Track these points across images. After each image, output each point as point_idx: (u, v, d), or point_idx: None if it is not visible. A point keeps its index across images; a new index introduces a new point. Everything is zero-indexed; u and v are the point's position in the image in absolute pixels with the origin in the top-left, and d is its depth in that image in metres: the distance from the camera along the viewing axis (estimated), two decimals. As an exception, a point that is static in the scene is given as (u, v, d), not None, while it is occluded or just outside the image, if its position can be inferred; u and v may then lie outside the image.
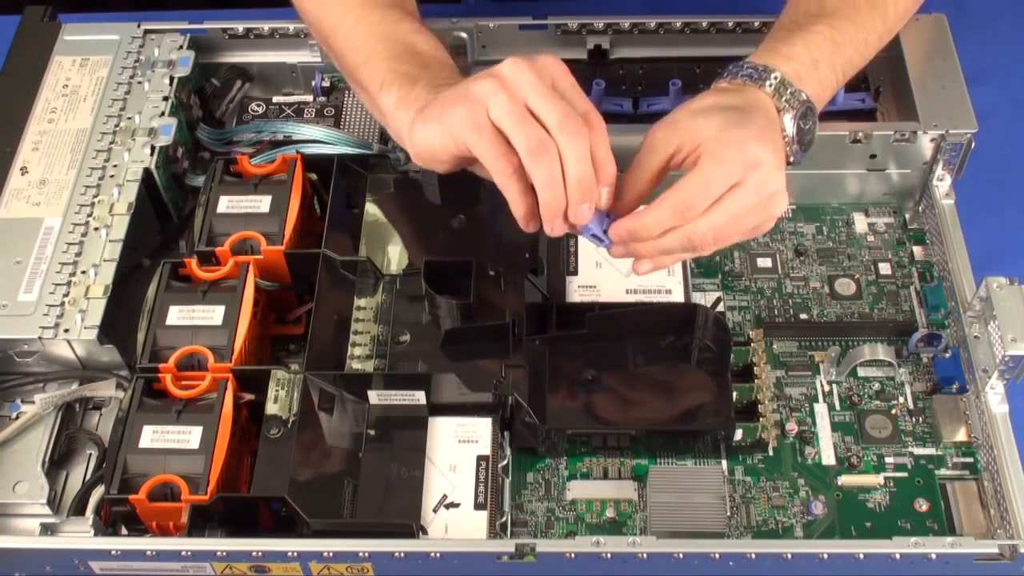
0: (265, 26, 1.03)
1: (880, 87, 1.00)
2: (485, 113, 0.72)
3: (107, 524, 0.78)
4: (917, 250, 0.96)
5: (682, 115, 0.77)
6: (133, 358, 0.82)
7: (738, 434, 0.84)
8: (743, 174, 0.74)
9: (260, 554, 0.75)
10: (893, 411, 0.88)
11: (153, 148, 0.92)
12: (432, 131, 0.75)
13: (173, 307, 0.83)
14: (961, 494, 0.83)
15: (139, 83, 0.97)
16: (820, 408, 0.88)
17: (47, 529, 0.79)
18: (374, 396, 0.83)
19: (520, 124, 0.72)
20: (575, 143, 0.71)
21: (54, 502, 0.82)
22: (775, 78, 0.80)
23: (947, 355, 0.89)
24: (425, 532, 0.78)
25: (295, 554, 0.75)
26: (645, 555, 0.75)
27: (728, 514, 0.81)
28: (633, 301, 0.89)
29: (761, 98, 0.80)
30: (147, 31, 1.01)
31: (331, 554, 0.75)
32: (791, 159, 0.80)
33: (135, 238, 0.89)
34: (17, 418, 0.84)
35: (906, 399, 0.88)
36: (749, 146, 0.75)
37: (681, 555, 0.75)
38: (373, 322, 0.88)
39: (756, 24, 1.01)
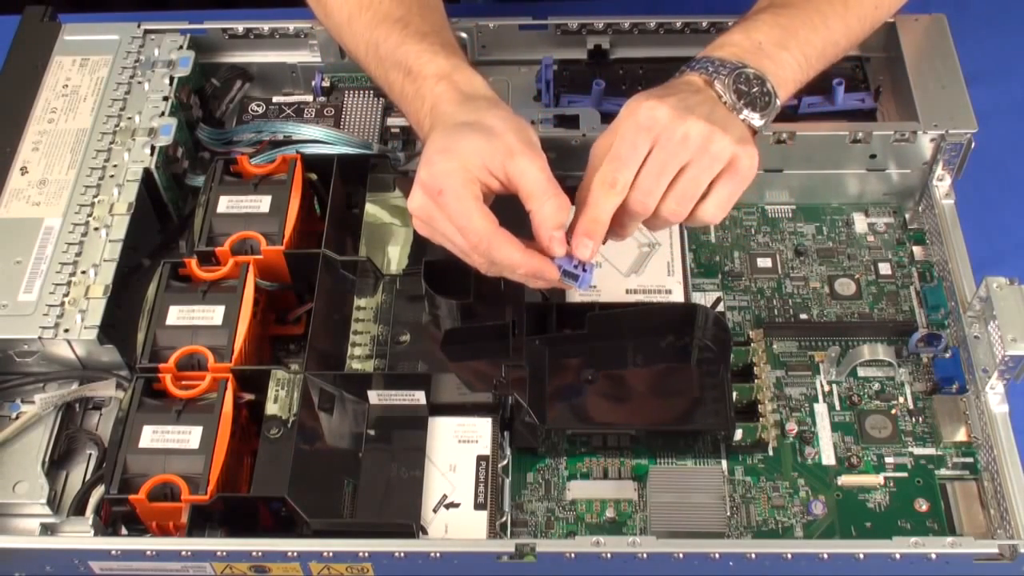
0: (265, 26, 1.03)
1: (880, 87, 1.00)
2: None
3: (107, 524, 0.78)
4: (917, 250, 0.96)
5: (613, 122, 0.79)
6: (133, 358, 0.82)
7: (738, 434, 0.84)
8: (652, 136, 0.76)
9: (260, 554, 0.75)
10: (893, 411, 0.88)
11: (153, 148, 0.92)
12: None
13: (173, 307, 0.83)
14: (961, 494, 0.83)
15: (139, 83, 0.97)
16: (820, 408, 0.88)
17: (47, 529, 0.79)
18: (374, 396, 0.83)
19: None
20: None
21: (54, 502, 0.82)
22: (701, 60, 0.81)
23: (947, 355, 0.89)
24: (425, 532, 0.78)
25: (295, 554, 0.75)
26: (645, 555, 0.75)
27: (728, 514, 0.81)
28: (633, 301, 0.89)
29: (687, 79, 0.81)
30: (147, 31, 1.01)
31: (331, 554, 0.75)
32: (750, 122, 0.80)
33: (135, 238, 0.89)
34: (17, 418, 0.84)
35: (906, 399, 0.88)
36: (645, 107, 0.76)
37: (681, 555, 0.75)
38: (373, 322, 0.88)
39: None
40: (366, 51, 0.88)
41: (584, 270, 0.77)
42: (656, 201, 0.76)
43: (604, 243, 0.79)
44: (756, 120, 0.80)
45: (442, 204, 0.76)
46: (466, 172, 0.75)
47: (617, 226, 0.78)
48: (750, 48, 0.82)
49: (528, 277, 0.77)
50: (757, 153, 0.78)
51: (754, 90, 0.80)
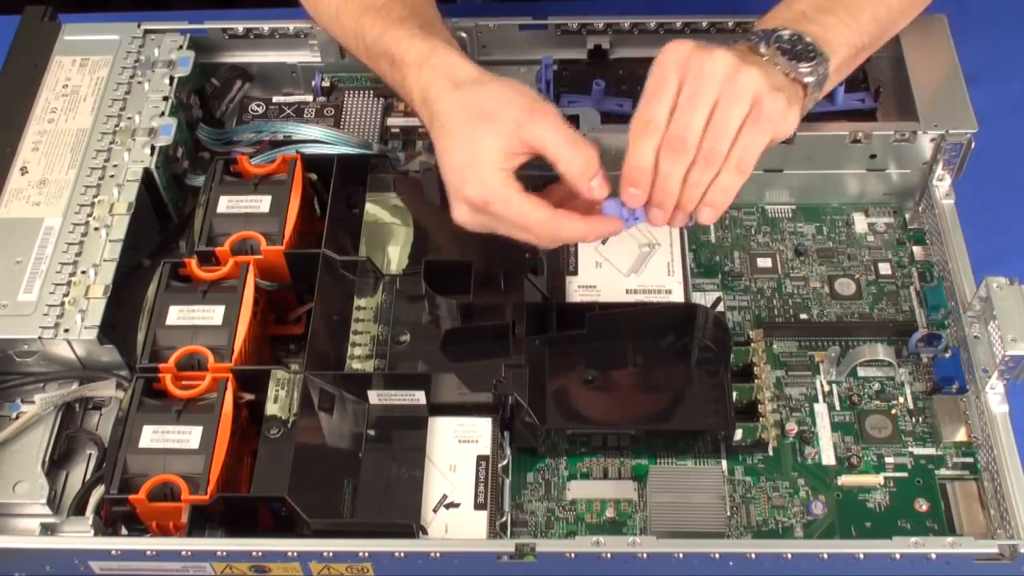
0: (265, 26, 1.03)
1: (880, 87, 1.00)
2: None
3: (107, 524, 0.78)
4: (917, 250, 0.96)
5: None
6: (133, 358, 0.82)
7: (738, 434, 0.84)
8: (680, 71, 0.76)
9: (260, 554, 0.75)
10: (893, 411, 0.88)
11: (153, 148, 0.92)
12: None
13: (173, 307, 0.83)
14: (961, 494, 0.83)
15: (139, 83, 0.97)
16: (820, 408, 0.88)
17: (47, 529, 0.79)
18: (374, 396, 0.83)
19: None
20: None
21: (54, 502, 0.82)
22: (744, 36, 0.82)
23: (947, 355, 0.89)
24: (425, 532, 0.78)
25: (295, 554, 0.75)
26: (645, 555, 0.75)
27: (728, 514, 0.81)
28: (633, 301, 0.89)
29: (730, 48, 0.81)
30: (147, 31, 1.01)
31: (331, 554, 0.75)
32: (801, 78, 0.79)
33: (135, 238, 0.89)
34: (17, 418, 0.84)
35: (906, 399, 0.88)
36: (676, 49, 0.76)
37: (681, 555, 0.75)
38: (373, 322, 0.88)
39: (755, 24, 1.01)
40: (355, 43, 0.89)
41: (633, 212, 0.78)
42: (695, 137, 0.75)
43: (673, 220, 0.79)
44: (806, 72, 0.79)
45: (494, 213, 0.77)
46: (497, 171, 0.76)
47: (661, 179, 0.77)
48: (792, 17, 0.82)
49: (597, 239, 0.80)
50: (787, 106, 0.77)
51: (798, 47, 0.80)
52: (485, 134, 0.77)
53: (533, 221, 0.77)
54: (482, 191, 0.77)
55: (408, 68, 0.83)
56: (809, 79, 0.80)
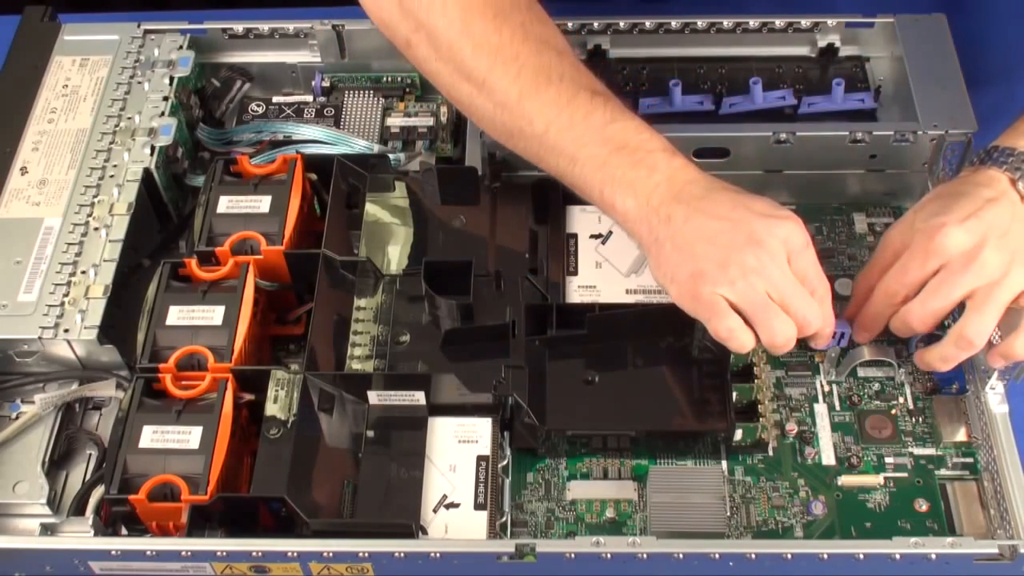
0: (265, 26, 1.03)
1: (880, 87, 1.00)
2: (713, 294, 0.76)
3: (107, 524, 0.78)
4: (917, 250, 0.96)
5: (910, 213, 0.82)
6: (133, 358, 0.82)
7: (738, 434, 0.84)
8: (941, 260, 0.78)
9: (260, 554, 0.75)
10: (893, 411, 0.88)
11: (153, 148, 0.92)
12: (665, 281, 0.79)
13: (173, 307, 0.83)
14: (961, 494, 0.83)
15: (139, 83, 0.97)
16: (820, 408, 0.88)
17: (47, 529, 0.79)
18: (374, 396, 0.83)
19: (760, 317, 0.77)
20: (810, 335, 0.80)
21: (54, 502, 0.82)
22: (1002, 153, 0.81)
23: (947, 355, 0.89)
24: (425, 532, 0.78)
25: (295, 554, 0.75)
26: (645, 555, 0.75)
27: (728, 514, 0.81)
28: (633, 302, 0.89)
29: (989, 175, 0.81)
30: (147, 31, 1.01)
31: (331, 554, 0.75)
32: None
33: (135, 238, 0.89)
34: (17, 418, 0.84)
35: (906, 399, 0.88)
36: (944, 233, 0.78)
37: (681, 555, 0.75)
38: (373, 322, 0.88)
39: (754, 24, 1.01)
40: (546, 128, 0.80)
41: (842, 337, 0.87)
42: (927, 325, 0.80)
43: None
44: None
45: (779, 255, 0.76)
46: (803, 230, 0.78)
47: (881, 323, 0.84)
48: None
49: (821, 338, 0.82)
50: None
51: None
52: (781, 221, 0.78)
53: (824, 279, 0.79)
54: (793, 237, 0.76)
55: (650, 152, 0.79)
56: None
